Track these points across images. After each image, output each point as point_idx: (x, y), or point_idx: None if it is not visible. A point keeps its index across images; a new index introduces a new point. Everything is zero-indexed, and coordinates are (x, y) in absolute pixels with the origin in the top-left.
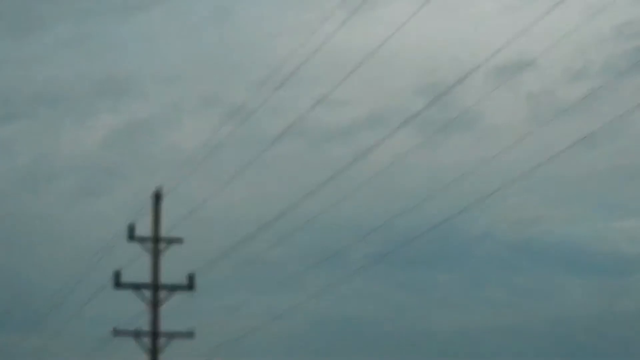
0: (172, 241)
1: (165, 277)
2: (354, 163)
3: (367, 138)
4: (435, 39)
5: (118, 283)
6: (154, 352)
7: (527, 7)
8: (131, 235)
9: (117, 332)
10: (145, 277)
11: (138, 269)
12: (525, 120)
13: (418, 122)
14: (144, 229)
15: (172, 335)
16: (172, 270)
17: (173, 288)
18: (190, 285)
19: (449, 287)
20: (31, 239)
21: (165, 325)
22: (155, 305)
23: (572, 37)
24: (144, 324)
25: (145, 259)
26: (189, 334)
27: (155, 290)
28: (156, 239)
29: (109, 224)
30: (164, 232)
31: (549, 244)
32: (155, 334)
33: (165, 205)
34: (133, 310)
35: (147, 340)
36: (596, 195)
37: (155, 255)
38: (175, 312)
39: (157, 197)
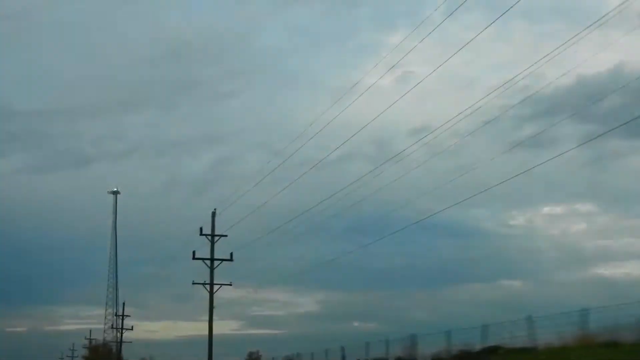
0: (221, 236)
1: None
2: (338, 178)
3: (344, 166)
4: (380, 115)
5: (194, 257)
6: (211, 291)
7: (428, 99)
8: (201, 233)
9: (194, 283)
10: None
11: None
12: (427, 157)
13: (370, 159)
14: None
15: (219, 284)
16: None
17: (221, 260)
18: (231, 258)
19: (381, 245)
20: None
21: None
22: (211, 269)
23: (447, 114)
24: None
25: None
26: (230, 284)
27: (211, 261)
28: (213, 235)
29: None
30: None
31: (435, 222)
32: (211, 284)
33: None
34: None
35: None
36: (457, 197)
37: (212, 243)
38: None
39: None
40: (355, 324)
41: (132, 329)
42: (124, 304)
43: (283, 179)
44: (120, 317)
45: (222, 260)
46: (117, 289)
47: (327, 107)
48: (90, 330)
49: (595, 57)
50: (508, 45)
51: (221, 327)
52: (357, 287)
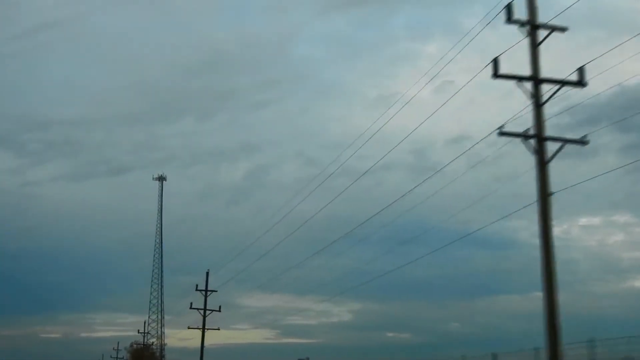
0: (554, 29)
1: (548, 72)
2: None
3: (382, 175)
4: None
5: (497, 73)
6: (541, 158)
7: (466, 109)
8: (509, 17)
9: (503, 134)
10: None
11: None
12: (465, 164)
13: (408, 168)
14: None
15: (562, 140)
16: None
17: (559, 83)
18: (580, 81)
19: (415, 256)
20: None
21: (551, 130)
22: (537, 103)
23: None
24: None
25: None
26: (583, 142)
27: (536, 83)
28: (534, 25)
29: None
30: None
31: (471, 233)
32: (540, 137)
33: None
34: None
35: (534, 143)
36: (494, 209)
37: (534, 44)
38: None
39: None
40: (389, 334)
41: (219, 310)
42: (207, 273)
43: (320, 189)
44: (203, 291)
45: None
46: (161, 285)
47: (365, 117)
48: (145, 323)
49: (636, 65)
50: (546, 53)
51: (254, 336)
52: (390, 297)
